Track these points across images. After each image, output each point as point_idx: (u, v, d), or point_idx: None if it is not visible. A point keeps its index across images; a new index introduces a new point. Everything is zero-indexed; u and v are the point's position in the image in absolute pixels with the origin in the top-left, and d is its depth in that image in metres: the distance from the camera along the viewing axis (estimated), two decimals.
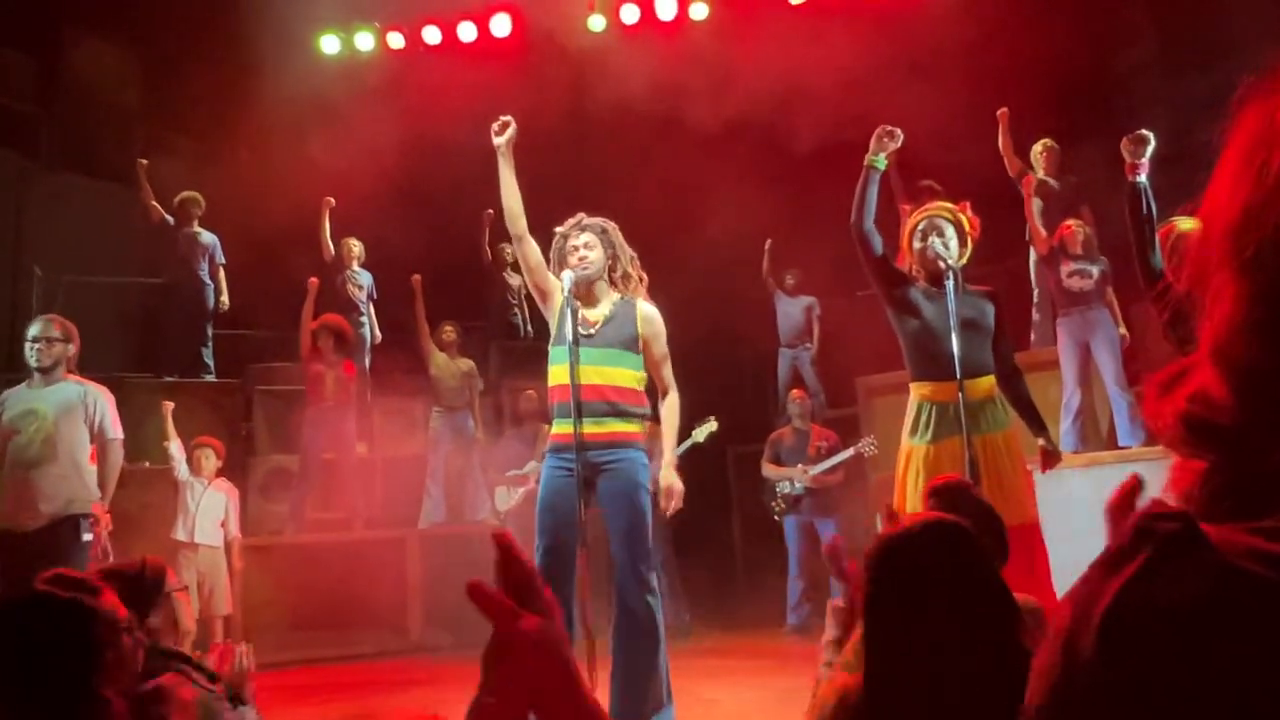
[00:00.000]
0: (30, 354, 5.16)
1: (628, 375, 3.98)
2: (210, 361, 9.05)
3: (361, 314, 9.05)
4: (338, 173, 8.47)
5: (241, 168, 9.25)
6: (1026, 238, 7.87)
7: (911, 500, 3.93)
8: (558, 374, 3.97)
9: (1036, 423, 4.22)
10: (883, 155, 4.11)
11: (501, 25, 9.60)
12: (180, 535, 6.73)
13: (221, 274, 9.09)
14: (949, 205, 4.32)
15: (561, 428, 3.94)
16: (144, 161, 8.83)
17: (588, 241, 4.05)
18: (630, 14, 9.56)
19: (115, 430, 5.28)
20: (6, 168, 9.69)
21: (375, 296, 9.22)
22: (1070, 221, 7.23)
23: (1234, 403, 0.61)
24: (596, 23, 9.58)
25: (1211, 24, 8.41)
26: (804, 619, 7.61)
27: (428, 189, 9.01)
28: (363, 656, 6.86)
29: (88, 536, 5.01)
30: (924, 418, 4.03)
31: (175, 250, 8.93)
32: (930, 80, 7.73)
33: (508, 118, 4.05)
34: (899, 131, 4.11)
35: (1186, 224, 4.11)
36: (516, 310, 10.09)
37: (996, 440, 4.01)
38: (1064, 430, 6.77)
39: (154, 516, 6.84)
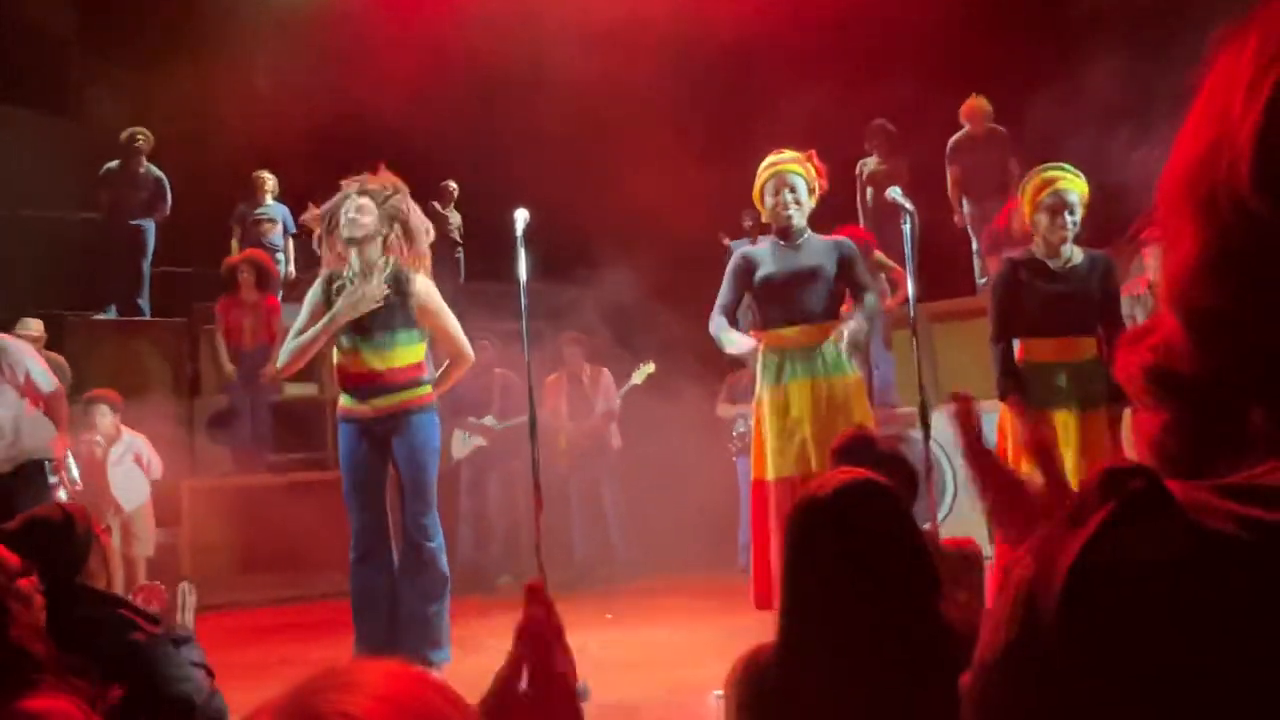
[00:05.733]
0: None
1: (409, 354, 4.25)
2: (146, 305, 8.83)
3: (277, 250, 8.87)
4: (282, 106, 8.22)
5: (184, 100, 8.96)
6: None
7: (771, 443, 4.19)
8: (340, 358, 4.27)
9: (867, 367, 4.54)
10: None
11: None
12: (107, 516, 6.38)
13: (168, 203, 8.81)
14: (797, 156, 4.32)
15: (347, 403, 4.28)
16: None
17: (362, 205, 4.20)
18: None
19: (49, 381, 4.87)
20: None
21: (293, 230, 8.86)
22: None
23: (1193, 350, 0.59)
24: None
25: None
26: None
27: (374, 122, 8.80)
28: (314, 597, 6.83)
29: (53, 479, 4.81)
30: (769, 363, 4.27)
31: (110, 192, 8.66)
32: (881, 20, 7.66)
33: None
34: None
35: (1067, 181, 4.10)
36: (460, 249, 9.96)
37: (835, 383, 4.18)
38: None
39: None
